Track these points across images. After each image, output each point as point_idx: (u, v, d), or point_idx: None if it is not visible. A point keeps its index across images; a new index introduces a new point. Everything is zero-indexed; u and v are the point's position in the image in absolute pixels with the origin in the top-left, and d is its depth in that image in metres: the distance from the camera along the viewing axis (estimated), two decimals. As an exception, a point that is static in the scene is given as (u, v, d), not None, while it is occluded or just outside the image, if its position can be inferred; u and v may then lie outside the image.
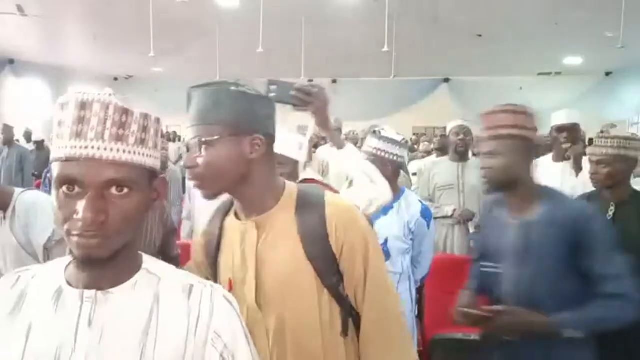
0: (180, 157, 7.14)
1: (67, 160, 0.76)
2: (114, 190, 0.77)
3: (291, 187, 1.20)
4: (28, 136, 8.22)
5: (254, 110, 1.13)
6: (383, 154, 2.20)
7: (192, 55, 11.06)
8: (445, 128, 4.91)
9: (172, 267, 0.90)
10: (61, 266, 0.86)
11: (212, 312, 0.83)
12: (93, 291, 0.81)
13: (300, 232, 1.13)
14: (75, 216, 0.75)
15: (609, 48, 8.51)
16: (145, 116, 0.82)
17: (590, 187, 2.32)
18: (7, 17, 7.87)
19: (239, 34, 8.91)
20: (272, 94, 1.36)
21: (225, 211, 1.26)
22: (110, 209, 0.77)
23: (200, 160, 1.09)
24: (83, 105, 0.77)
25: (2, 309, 0.85)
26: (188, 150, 1.12)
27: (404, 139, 2.31)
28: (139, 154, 0.79)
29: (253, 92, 1.15)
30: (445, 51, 10.41)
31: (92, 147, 0.76)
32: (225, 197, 1.23)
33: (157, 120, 0.85)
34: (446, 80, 14.05)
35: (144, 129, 0.81)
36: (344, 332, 1.16)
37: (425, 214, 2.24)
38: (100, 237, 0.76)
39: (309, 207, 1.15)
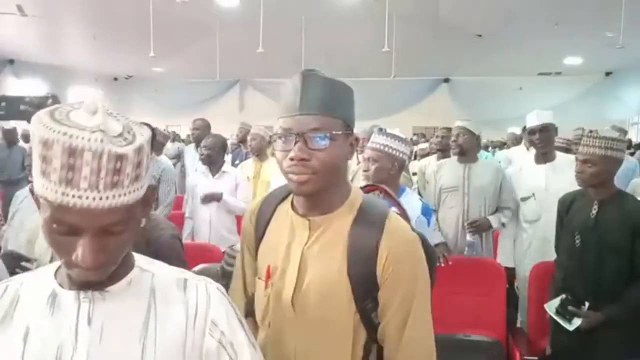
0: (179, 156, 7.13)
1: (59, 206, 0.72)
2: (111, 229, 0.75)
3: (356, 195, 1.12)
4: (26, 137, 8.24)
5: (353, 106, 1.09)
6: (390, 150, 2.21)
7: (192, 55, 11.06)
8: (445, 128, 4.93)
9: (163, 264, 0.92)
10: (50, 271, 0.86)
11: (209, 303, 0.86)
12: (89, 291, 0.82)
13: (349, 248, 1.05)
14: (74, 257, 0.74)
15: (609, 48, 8.51)
16: (140, 149, 0.75)
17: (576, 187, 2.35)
18: (7, 17, 7.87)
19: (239, 34, 8.92)
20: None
21: (281, 196, 1.19)
22: (108, 245, 0.76)
23: (319, 154, 1.00)
24: (72, 152, 0.70)
25: None
26: (296, 141, 1.00)
27: (407, 137, 2.33)
28: (135, 190, 0.76)
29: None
30: (445, 51, 10.42)
31: (87, 198, 0.71)
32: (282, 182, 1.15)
33: (148, 135, 0.79)
34: (446, 80, 14.07)
35: (139, 164, 0.75)
36: (365, 357, 1.10)
37: (426, 212, 2.24)
38: (100, 270, 0.77)
39: (368, 223, 1.06)
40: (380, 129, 2.31)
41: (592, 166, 2.11)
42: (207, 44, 9.63)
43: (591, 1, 6.93)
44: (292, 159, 1.01)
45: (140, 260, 0.89)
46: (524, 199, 3.06)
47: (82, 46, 10.98)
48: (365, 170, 2.26)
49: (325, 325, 1.07)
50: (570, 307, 2.16)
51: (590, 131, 2.21)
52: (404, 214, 1.27)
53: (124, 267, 0.85)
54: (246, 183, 3.86)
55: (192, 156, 5.00)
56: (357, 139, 1.08)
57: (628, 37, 7.43)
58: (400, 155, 2.23)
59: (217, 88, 14.82)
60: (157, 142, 4.15)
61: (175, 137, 11.00)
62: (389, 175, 2.22)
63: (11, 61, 12.36)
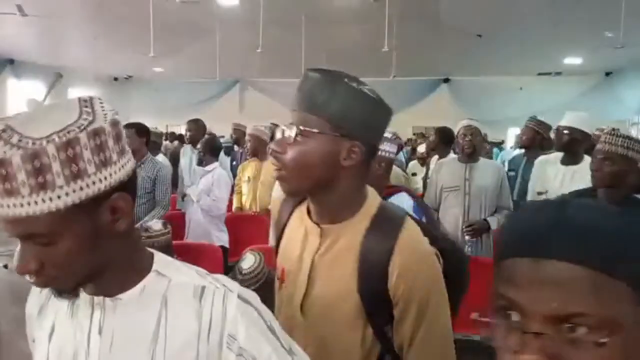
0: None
1: None
2: (35, 240, 0.70)
3: (372, 203, 1.08)
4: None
5: (366, 115, 1.01)
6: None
7: (192, 55, 11.04)
8: (436, 128, 4.93)
9: (186, 266, 0.87)
10: None
11: (225, 314, 0.80)
12: (101, 298, 0.81)
13: (359, 262, 1.01)
14: None
15: (609, 48, 8.50)
16: (35, 154, 0.66)
17: None
18: (7, 17, 7.86)
19: (239, 34, 8.90)
20: None
21: (299, 199, 1.18)
22: (43, 256, 0.72)
23: (290, 150, 0.99)
24: None
25: (33, 311, 0.89)
26: (283, 134, 1.00)
27: (393, 135, 2.29)
28: (42, 200, 0.67)
29: (373, 95, 1.03)
30: (445, 51, 10.39)
31: None
32: None
33: (68, 143, 0.67)
34: (446, 80, 14.04)
35: (37, 172, 0.66)
36: None
37: (416, 212, 2.22)
38: (44, 281, 0.74)
39: (380, 236, 1.02)
40: None
41: (612, 165, 2.05)
42: (207, 44, 9.61)
43: (591, 1, 6.92)
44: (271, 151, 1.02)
45: (160, 262, 0.84)
46: (539, 193, 3.06)
47: (82, 46, 10.96)
48: None
49: (333, 336, 1.05)
50: None
51: (613, 129, 2.11)
52: (427, 212, 1.26)
53: (137, 273, 0.82)
54: (222, 182, 3.92)
55: (188, 157, 5.02)
56: (353, 145, 1.00)
57: (628, 37, 7.42)
58: (386, 154, 2.21)
59: (217, 88, 14.79)
60: (152, 142, 4.20)
61: (178, 138, 10.98)
62: (375, 176, 2.20)
63: (11, 61, 12.33)
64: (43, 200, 0.67)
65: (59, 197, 0.68)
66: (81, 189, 0.69)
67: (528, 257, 0.56)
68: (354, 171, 1.02)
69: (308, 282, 1.07)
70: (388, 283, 1.00)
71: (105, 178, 0.72)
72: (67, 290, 0.77)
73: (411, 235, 1.04)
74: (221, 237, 3.97)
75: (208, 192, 3.86)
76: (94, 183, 0.70)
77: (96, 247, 0.75)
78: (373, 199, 1.09)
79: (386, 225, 1.03)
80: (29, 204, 0.67)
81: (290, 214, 1.19)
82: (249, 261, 2.38)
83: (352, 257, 1.03)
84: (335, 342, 1.05)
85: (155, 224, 2.81)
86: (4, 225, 0.69)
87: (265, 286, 2.31)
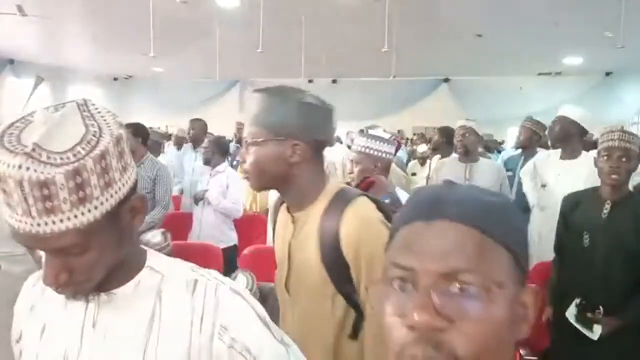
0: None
1: (10, 227, 0.70)
2: (68, 252, 0.72)
3: (331, 189, 1.25)
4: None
5: (301, 117, 1.19)
6: (372, 151, 2.22)
7: (192, 55, 11.05)
8: (439, 128, 4.95)
9: (178, 262, 0.88)
10: None
11: (217, 306, 0.81)
12: (96, 292, 0.81)
13: (319, 237, 1.20)
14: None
15: (609, 48, 8.49)
16: (76, 171, 0.67)
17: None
18: (7, 17, 7.86)
19: (239, 34, 8.90)
20: None
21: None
22: (73, 265, 0.73)
23: (247, 158, 1.22)
24: (0, 178, 0.65)
25: (24, 307, 0.89)
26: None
27: (391, 136, 2.31)
28: (82, 213, 0.69)
29: (310, 100, 1.21)
30: (445, 51, 10.40)
31: (25, 223, 0.67)
32: None
33: (101, 155, 0.69)
34: (446, 80, 14.05)
35: (79, 187, 0.67)
36: (354, 336, 1.21)
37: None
38: (71, 289, 0.76)
39: (333, 212, 1.20)
40: (362, 130, 2.31)
41: (628, 161, 2.09)
42: (207, 44, 9.61)
43: (591, 1, 6.92)
44: None
45: (152, 258, 0.86)
46: (542, 186, 3.07)
47: (82, 46, 10.96)
48: (350, 173, 2.27)
49: (310, 307, 1.23)
50: (588, 314, 2.10)
51: (622, 127, 2.18)
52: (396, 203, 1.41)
53: (132, 269, 0.83)
54: (237, 183, 3.89)
55: (189, 156, 5.02)
56: (295, 144, 1.18)
57: (628, 37, 7.42)
58: (383, 155, 2.22)
59: (217, 88, 14.80)
60: (153, 142, 4.19)
61: (167, 136, 10.95)
62: (373, 177, 2.21)
63: (11, 61, 12.35)
64: (82, 214, 0.69)
65: (95, 207, 0.70)
66: (111, 196, 0.72)
67: (420, 220, 0.58)
68: (305, 164, 1.21)
69: (289, 264, 1.27)
70: (342, 248, 1.17)
71: (127, 182, 0.76)
72: (86, 293, 0.79)
73: (358, 206, 1.20)
74: (232, 236, 3.96)
75: (223, 193, 3.83)
76: (120, 189, 0.74)
77: (119, 248, 0.78)
78: (333, 186, 1.27)
79: (339, 202, 1.21)
80: (68, 218, 0.68)
81: (279, 209, 1.39)
82: (240, 283, 2.33)
83: (315, 234, 1.21)
84: (312, 313, 1.22)
85: (154, 237, 2.71)
86: (34, 242, 0.69)
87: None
